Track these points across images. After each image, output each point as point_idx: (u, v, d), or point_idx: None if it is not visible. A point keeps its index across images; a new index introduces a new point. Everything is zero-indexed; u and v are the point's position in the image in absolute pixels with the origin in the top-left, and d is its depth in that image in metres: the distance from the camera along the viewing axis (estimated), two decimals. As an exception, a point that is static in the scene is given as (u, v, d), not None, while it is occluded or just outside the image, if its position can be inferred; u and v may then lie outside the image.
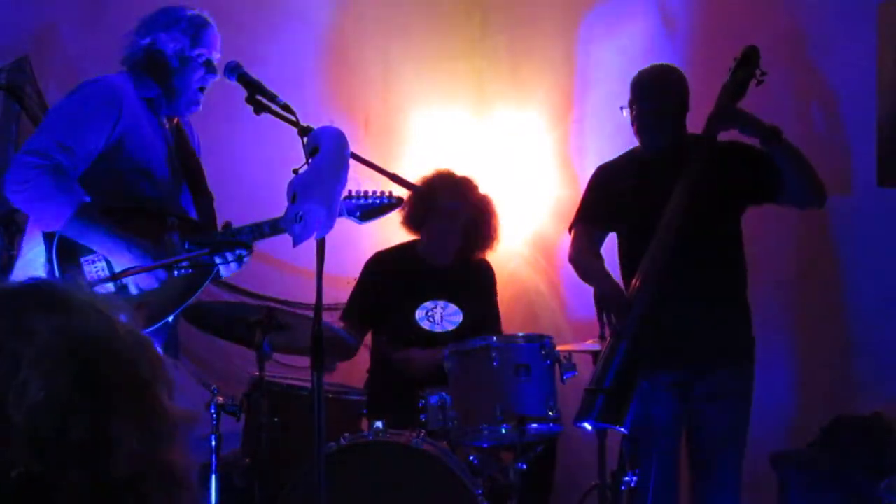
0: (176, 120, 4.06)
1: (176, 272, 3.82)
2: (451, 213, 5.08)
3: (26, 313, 1.21)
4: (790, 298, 5.05)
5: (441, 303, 5.07)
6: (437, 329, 5.05)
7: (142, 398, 1.22)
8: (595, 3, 5.94)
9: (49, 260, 3.73)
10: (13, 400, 1.16)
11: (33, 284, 1.26)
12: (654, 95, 4.42)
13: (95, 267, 3.75)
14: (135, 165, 3.86)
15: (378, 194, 4.17)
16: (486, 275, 5.30)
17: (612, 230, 4.60)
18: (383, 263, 5.21)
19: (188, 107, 4.02)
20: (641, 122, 4.43)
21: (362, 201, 4.10)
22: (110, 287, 3.68)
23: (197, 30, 3.96)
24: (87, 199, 3.72)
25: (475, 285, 5.22)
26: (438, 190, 5.06)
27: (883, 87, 4.60)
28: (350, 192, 4.09)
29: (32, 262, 3.79)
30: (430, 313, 5.07)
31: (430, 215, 5.10)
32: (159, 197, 3.90)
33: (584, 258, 4.54)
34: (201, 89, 4.00)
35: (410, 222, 5.16)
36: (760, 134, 4.28)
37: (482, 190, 5.25)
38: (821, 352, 4.94)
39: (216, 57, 4.00)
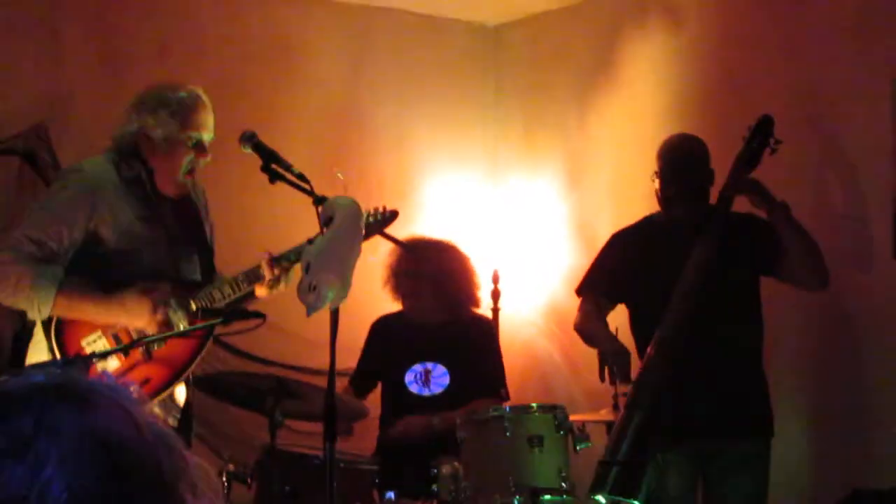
0: None
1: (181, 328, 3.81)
2: (413, 275, 5.15)
3: (52, 411, 1.17)
4: (806, 369, 5.01)
5: (430, 364, 5.10)
6: (426, 393, 5.08)
7: (165, 500, 1.19)
8: (608, 69, 5.96)
9: (50, 348, 3.72)
10: (35, 501, 1.12)
11: (59, 380, 1.22)
12: (685, 170, 4.42)
13: (97, 346, 3.74)
14: (120, 249, 3.83)
15: (372, 211, 4.13)
16: (481, 331, 5.32)
17: (620, 301, 4.59)
18: (382, 327, 5.27)
19: (172, 187, 3.94)
20: (669, 195, 4.41)
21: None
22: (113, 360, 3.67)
23: (186, 112, 3.87)
24: (66, 276, 3.71)
25: (468, 343, 5.21)
26: (399, 256, 5.13)
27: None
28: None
29: (39, 343, 3.79)
30: (418, 377, 5.10)
31: (399, 281, 5.19)
32: (150, 271, 3.87)
33: (589, 324, 4.53)
34: (190, 172, 3.94)
35: (392, 290, 5.25)
36: (769, 207, 4.28)
37: (455, 247, 5.32)
38: (837, 424, 4.88)
39: (207, 137, 3.92)
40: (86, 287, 3.73)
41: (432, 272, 5.17)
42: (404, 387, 5.10)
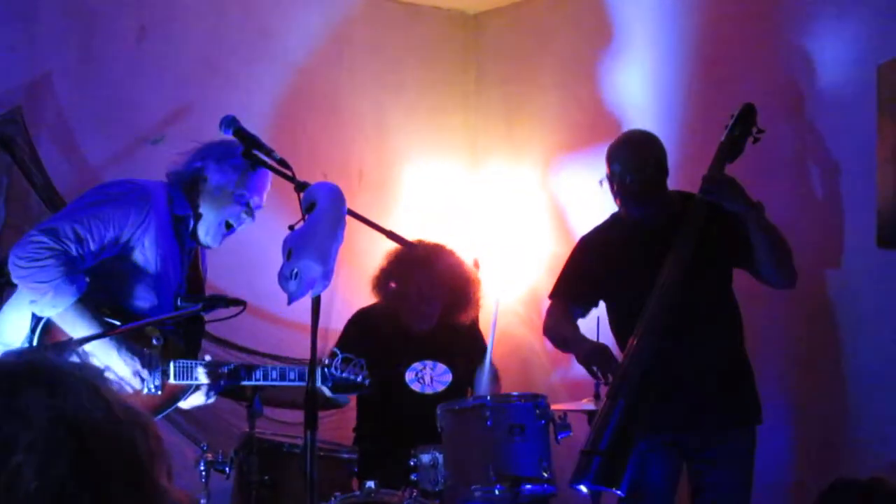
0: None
1: (151, 390, 3.82)
2: (427, 285, 5.08)
3: (21, 394, 1.13)
4: (789, 360, 5.00)
5: (430, 363, 5.00)
6: (428, 390, 4.97)
7: (140, 485, 1.15)
8: (590, 58, 5.93)
9: (30, 341, 3.69)
10: (3, 488, 1.08)
11: (27, 362, 1.18)
12: (637, 167, 4.32)
13: None
14: (137, 277, 3.84)
15: (354, 371, 4.16)
16: (474, 338, 5.31)
17: (592, 305, 4.56)
18: (369, 321, 5.16)
19: (209, 238, 4.00)
20: (626, 194, 4.35)
21: (336, 374, 4.12)
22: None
23: (247, 170, 3.94)
24: (86, 288, 3.70)
25: (464, 347, 5.19)
26: (412, 261, 5.04)
27: (882, 146, 4.57)
28: (325, 361, 4.12)
29: (12, 326, 3.74)
30: (419, 374, 5.00)
31: (405, 286, 5.11)
32: (150, 313, 3.86)
33: (557, 328, 4.51)
34: (229, 225, 3.99)
35: (390, 284, 5.16)
36: (741, 209, 4.23)
37: (460, 255, 5.25)
38: (820, 415, 4.88)
39: (257, 202, 3.99)
40: (96, 314, 3.72)
41: (447, 283, 5.12)
42: (403, 384, 5.00)
